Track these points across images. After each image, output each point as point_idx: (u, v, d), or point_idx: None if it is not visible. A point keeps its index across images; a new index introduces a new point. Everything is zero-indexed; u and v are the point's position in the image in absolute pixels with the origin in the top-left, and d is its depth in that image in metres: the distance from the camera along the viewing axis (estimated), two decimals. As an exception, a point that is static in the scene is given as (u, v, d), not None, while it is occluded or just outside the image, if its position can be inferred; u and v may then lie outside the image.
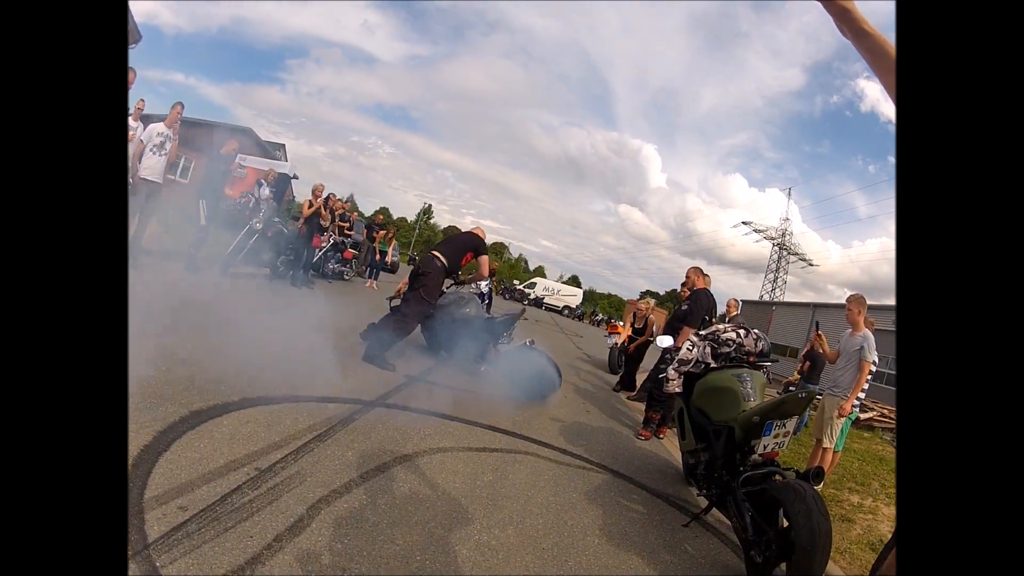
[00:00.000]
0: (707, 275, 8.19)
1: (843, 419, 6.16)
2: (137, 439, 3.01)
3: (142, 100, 9.47)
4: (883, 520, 5.95)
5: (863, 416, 13.89)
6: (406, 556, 2.84)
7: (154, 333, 4.86)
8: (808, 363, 11.95)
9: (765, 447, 4.12)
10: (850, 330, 6.31)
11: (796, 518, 3.45)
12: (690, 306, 7.48)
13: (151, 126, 7.66)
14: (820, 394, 6.62)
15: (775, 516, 3.73)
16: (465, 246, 7.46)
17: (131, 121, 8.60)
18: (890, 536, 5.50)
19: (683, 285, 8.67)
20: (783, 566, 3.57)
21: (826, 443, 6.21)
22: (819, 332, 6.76)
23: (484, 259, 7.61)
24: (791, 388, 12.86)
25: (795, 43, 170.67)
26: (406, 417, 4.99)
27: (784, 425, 4.15)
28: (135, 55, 21.40)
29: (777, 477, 4.03)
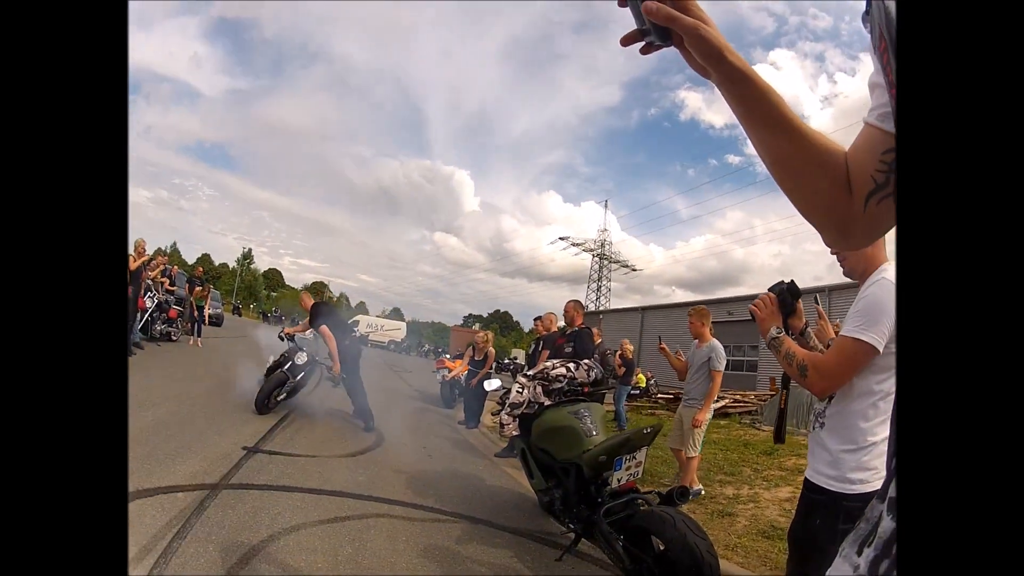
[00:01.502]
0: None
1: (700, 428, 6.29)
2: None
3: None
4: (766, 506, 6.24)
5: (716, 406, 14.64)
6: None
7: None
8: (623, 368, 12.75)
9: (619, 480, 4.10)
10: (696, 341, 6.57)
11: (671, 544, 3.45)
12: (575, 348, 6.49)
13: None
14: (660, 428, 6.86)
15: (648, 541, 3.73)
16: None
17: None
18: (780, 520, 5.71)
19: (539, 322, 8.79)
20: None
21: (690, 452, 6.33)
22: (662, 345, 6.88)
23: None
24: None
25: (613, 61, 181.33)
26: (252, 497, 4.80)
27: (634, 457, 4.15)
28: None
29: (641, 502, 4.01)
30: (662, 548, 3.60)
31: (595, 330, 8.42)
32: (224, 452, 5.89)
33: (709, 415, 6.47)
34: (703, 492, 6.54)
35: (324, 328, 8.89)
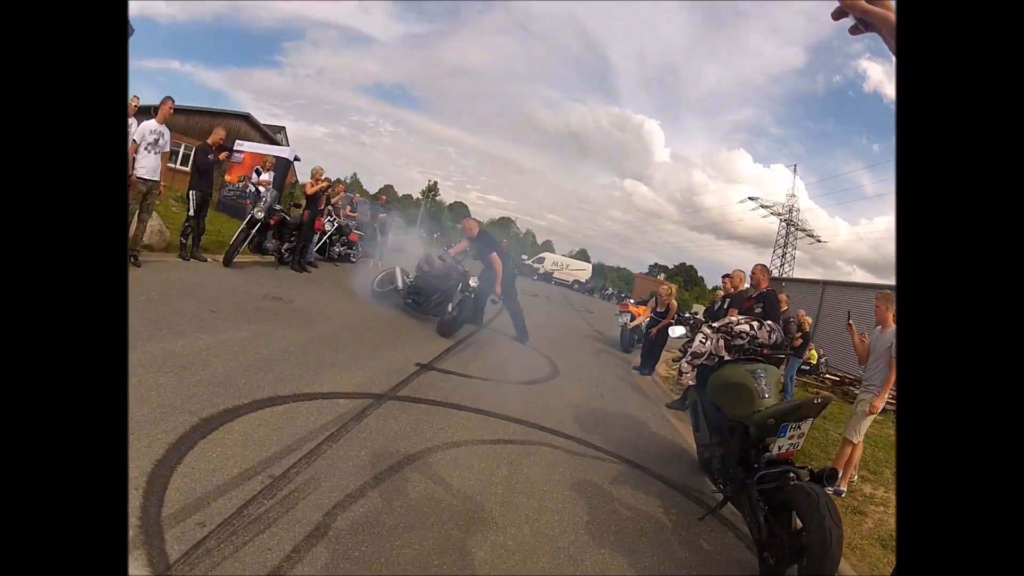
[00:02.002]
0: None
1: (872, 415, 6.03)
2: (150, 453, 3.00)
3: (135, 96, 9.40)
4: (895, 513, 5.81)
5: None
6: (423, 561, 2.84)
7: (158, 336, 4.84)
8: (800, 339, 12.03)
9: (780, 448, 4.07)
10: (879, 327, 6.17)
11: (808, 524, 3.43)
12: (764, 309, 6.45)
13: (143, 124, 7.59)
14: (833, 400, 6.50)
15: (788, 517, 3.71)
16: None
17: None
18: None
19: (727, 279, 8.65)
20: (794, 567, 3.54)
21: (854, 439, 6.09)
22: (850, 322, 6.69)
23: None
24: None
25: (795, 22, 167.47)
26: (418, 410, 4.98)
27: (799, 427, 4.08)
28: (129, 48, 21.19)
29: (791, 476, 3.97)
30: (799, 527, 3.58)
31: (782, 296, 8.26)
32: (395, 366, 6.16)
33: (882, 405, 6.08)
34: (844, 493, 6.07)
35: (494, 256, 9.57)
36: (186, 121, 24.39)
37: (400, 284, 9.81)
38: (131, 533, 2.38)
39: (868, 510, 5.78)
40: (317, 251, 13.31)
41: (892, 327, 5.99)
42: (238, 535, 2.57)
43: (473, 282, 9.35)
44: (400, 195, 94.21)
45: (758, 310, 6.35)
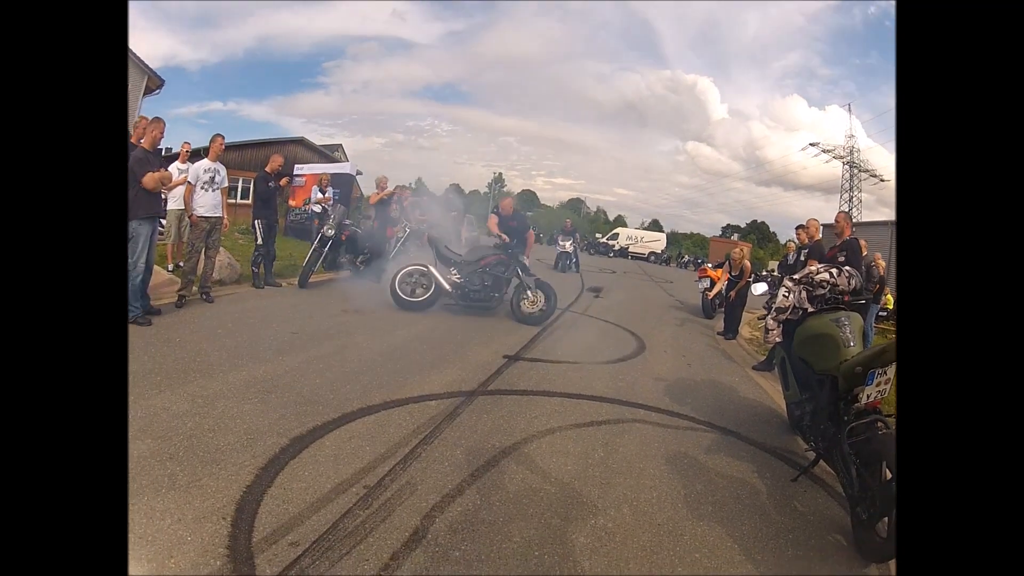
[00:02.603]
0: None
1: None
2: (238, 480, 3.04)
3: (187, 143, 9.76)
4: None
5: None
6: (524, 553, 2.77)
7: (238, 364, 4.94)
8: (877, 284, 11.56)
9: (868, 396, 3.90)
10: None
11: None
12: (847, 258, 6.45)
13: (196, 164, 7.83)
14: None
15: (879, 468, 3.57)
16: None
17: (179, 164, 8.89)
18: None
19: (801, 230, 8.46)
20: (886, 520, 3.37)
21: None
22: None
23: None
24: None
25: None
26: (509, 402, 4.94)
27: (885, 372, 3.90)
28: (161, 101, 21.93)
29: (880, 426, 3.83)
30: (889, 478, 3.45)
31: (862, 241, 7.79)
32: (483, 362, 6.14)
33: None
34: None
35: (531, 234, 9.46)
36: (240, 156, 25.20)
37: (447, 286, 9.23)
38: (218, 563, 2.39)
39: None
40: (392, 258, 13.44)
41: None
42: (333, 550, 2.55)
43: (525, 259, 9.22)
44: (467, 192, 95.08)
45: (841, 259, 6.18)
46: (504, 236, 9.40)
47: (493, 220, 9.97)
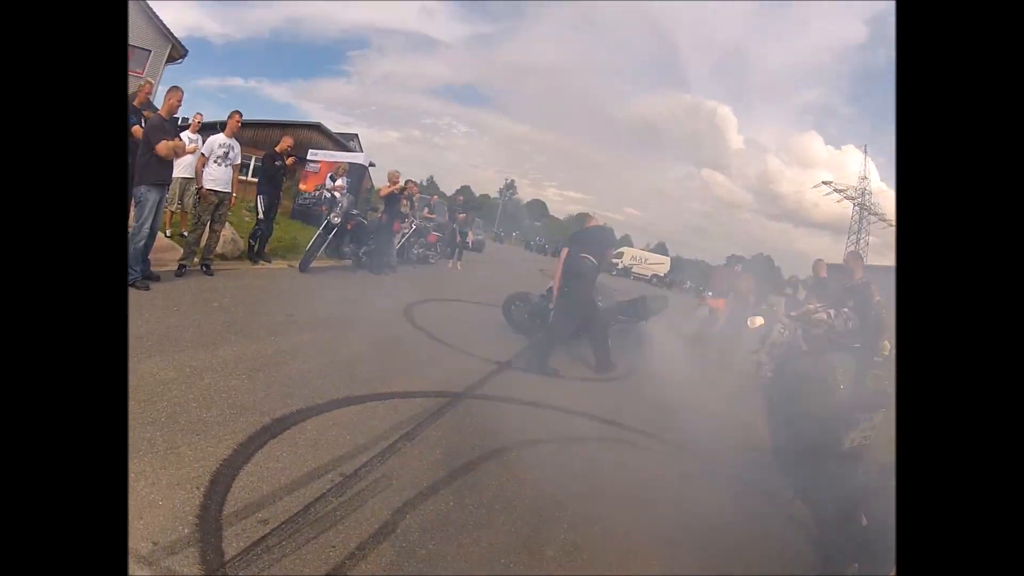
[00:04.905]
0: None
1: None
2: (216, 453, 3.04)
3: (199, 114, 9.76)
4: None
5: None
6: (490, 559, 2.77)
7: (230, 340, 4.95)
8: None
9: (852, 441, 4.03)
10: None
11: (874, 520, 3.37)
12: (856, 304, 5.64)
13: (212, 138, 7.85)
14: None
15: (856, 513, 3.58)
16: (603, 243, 7.58)
17: (189, 133, 8.85)
18: None
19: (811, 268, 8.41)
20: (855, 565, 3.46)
21: None
22: None
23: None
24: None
25: None
26: (496, 409, 4.94)
27: (871, 419, 4.06)
28: (182, 70, 21.98)
29: (861, 471, 3.93)
30: (865, 524, 3.50)
31: (873, 287, 7.51)
32: (473, 365, 6.12)
33: None
34: None
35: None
36: (254, 134, 25.17)
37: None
38: (185, 531, 2.39)
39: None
40: (396, 253, 13.41)
41: None
42: (301, 533, 2.56)
43: None
44: (477, 195, 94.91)
45: (849, 304, 5.80)
46: None
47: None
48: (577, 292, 7.02)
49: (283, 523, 2.59)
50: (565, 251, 7.44)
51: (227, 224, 8.43)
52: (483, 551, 2.81)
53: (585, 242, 7.39)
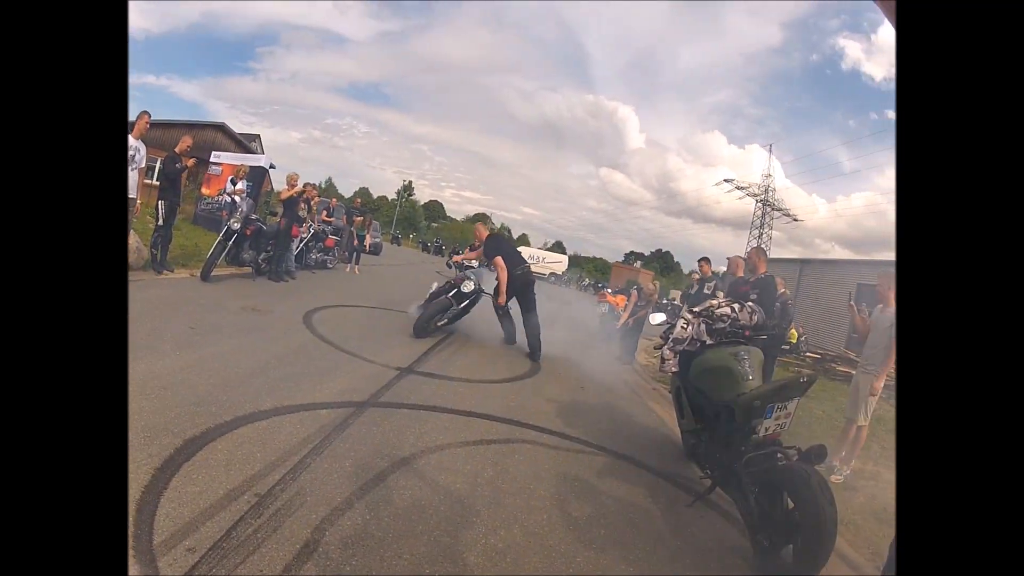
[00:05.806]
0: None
1: (876, 396, 6.03)
2: (137, 480, 2.98)
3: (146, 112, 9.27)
4: (885, 486, 5.95)
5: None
6: (415, 569, 2.87)
7: (140, 356, 4.77)
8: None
9: (767, 429, 4.08)
10: (881, 306, 6.18)
11: (801, 503, 3.48)
12: (759, 297, 5.92)
13: None
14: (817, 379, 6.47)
15: (780, 497, 3.73)
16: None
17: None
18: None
19: (704, 263, 9.19)
20: (789, 547, 3.58)
21: (861, 421, 6.08)
22: (851, 302, 6.93)
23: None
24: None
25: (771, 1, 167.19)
26: (400, 416, 4.99)
27: (785, 407, 4.11)
28: None
29: (780, 457, 3.97)
30: (791, 507, 3.63)
31: (779, 279, 7.83)
32: (375, 372, 6.16)
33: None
34: (843, 476, 6.02)
35: (499, 259, 8.99)
36: (162, 135, 23.94)
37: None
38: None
39: (858, 485, 5.87)
40: (295, 258, 13.14)
41: (894, 306, 5.94)
42: (228, 558, 2.57)
43: (466, 287, 9.06)
44: (375, 197, 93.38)
45: (753, 297, 6.09)
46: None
47: (471, 254, 10.30)
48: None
49: (209, 550, 2.59)
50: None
51: (131, 232, 8.04)
52: (407, 563, 2.90)
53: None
